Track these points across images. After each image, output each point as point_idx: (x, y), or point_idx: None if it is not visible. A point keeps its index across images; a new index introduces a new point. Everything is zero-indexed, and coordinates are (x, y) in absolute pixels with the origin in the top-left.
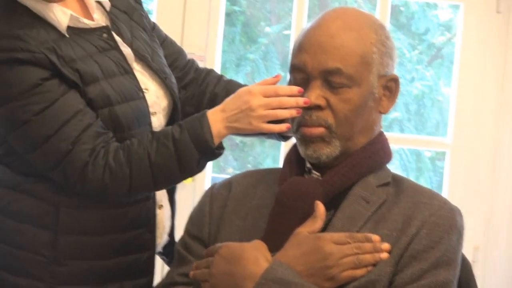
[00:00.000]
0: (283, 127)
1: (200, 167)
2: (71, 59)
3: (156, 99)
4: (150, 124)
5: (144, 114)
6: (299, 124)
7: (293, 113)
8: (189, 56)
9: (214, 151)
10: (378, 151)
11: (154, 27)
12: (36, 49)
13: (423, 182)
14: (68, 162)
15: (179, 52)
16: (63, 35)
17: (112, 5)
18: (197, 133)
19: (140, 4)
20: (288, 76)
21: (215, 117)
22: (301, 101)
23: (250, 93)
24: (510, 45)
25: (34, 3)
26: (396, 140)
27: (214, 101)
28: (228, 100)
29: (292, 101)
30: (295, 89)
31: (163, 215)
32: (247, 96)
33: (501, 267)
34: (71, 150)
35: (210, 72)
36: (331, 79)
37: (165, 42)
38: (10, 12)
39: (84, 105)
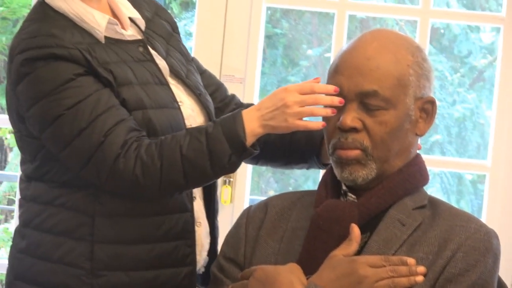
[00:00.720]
0: (319, 124)
1: (231, 165)
2: (104, 61)
3: (191, 112)
4: None
5: (179, 124)
6: (335, 147)
7: (328, 112)
8: (228, 79)
9: (246, 148)
10: (415, 173)
11: (192, 59)
12: (71, 46)
13: (464, 205)
14: (100, 155)
15: (219, 84)
16: (98, 41)
17: (149, 28)
18: (229, 129)
19: (178, 34)
20: None
21: (250, 115)
22: (336, 100)
23: (286, 91)
24: None
25: (74, 5)
26: (437, 162)
27: None
28: (264, 99)
29: (328, 99)
30: (331, 88)
31: (201, 232)
32: (282, 94)
33: None
34: (103, 142)
35: (251, 105)
36: (367, 101)
37: (204, 74)
38: (47, 17)
39: (117, 103)
